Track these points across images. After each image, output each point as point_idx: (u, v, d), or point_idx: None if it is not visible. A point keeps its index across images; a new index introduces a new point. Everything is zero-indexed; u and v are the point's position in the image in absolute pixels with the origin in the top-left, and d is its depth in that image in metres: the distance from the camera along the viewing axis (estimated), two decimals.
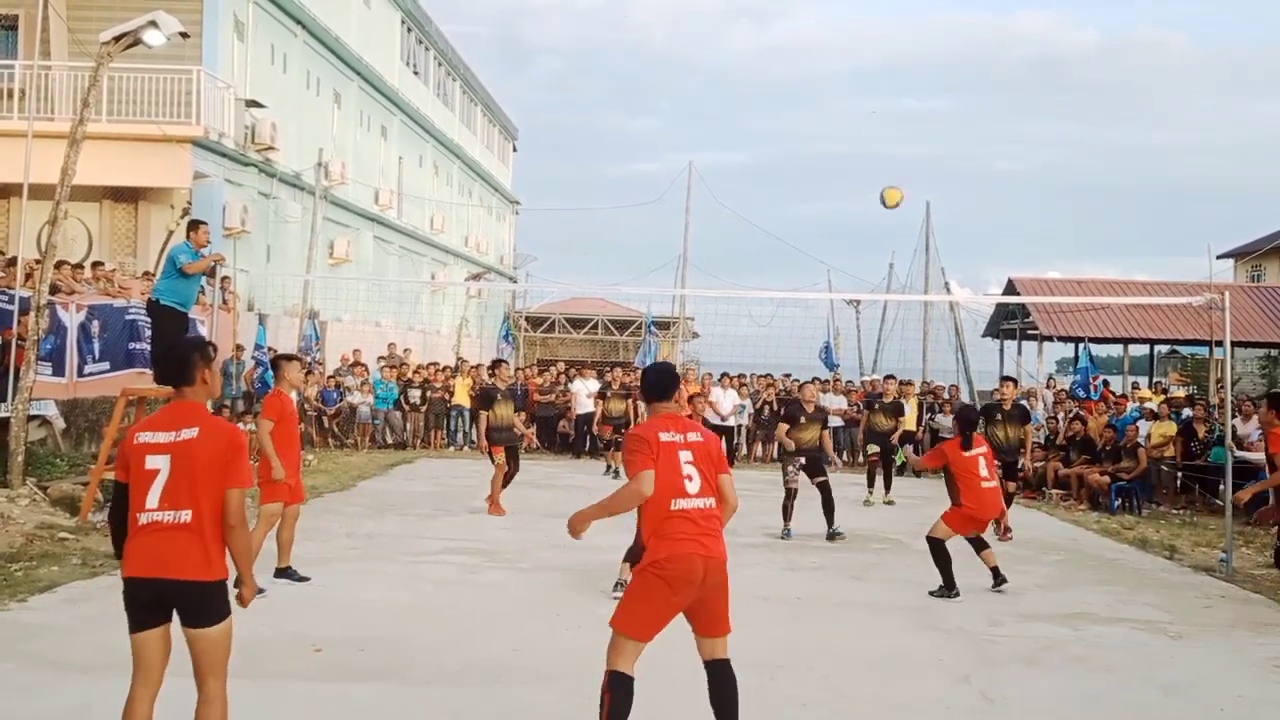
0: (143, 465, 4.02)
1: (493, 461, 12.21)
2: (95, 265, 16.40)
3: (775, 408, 19.93)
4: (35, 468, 11.26)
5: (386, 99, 29.43)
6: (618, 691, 4.47)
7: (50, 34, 17.67)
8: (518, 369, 22.86)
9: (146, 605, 3.98)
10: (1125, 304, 23.83)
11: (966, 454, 8.68)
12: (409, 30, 31.87)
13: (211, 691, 4.01)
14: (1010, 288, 26.06)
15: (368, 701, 5.52)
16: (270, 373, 18.03)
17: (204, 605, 3.97)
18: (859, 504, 13.96)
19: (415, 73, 32.64)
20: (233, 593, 4.13)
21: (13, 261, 13.07)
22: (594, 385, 19.05)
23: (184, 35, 11.59)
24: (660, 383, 4.92)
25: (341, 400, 19.13)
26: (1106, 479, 14.58)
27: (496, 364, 13.24)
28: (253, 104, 20.89)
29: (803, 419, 11.29)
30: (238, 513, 4.03)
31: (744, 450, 19.67)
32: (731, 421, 19.04)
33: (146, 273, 17.63)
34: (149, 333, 12.23)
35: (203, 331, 16.01)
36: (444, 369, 21.15)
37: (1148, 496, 14.74)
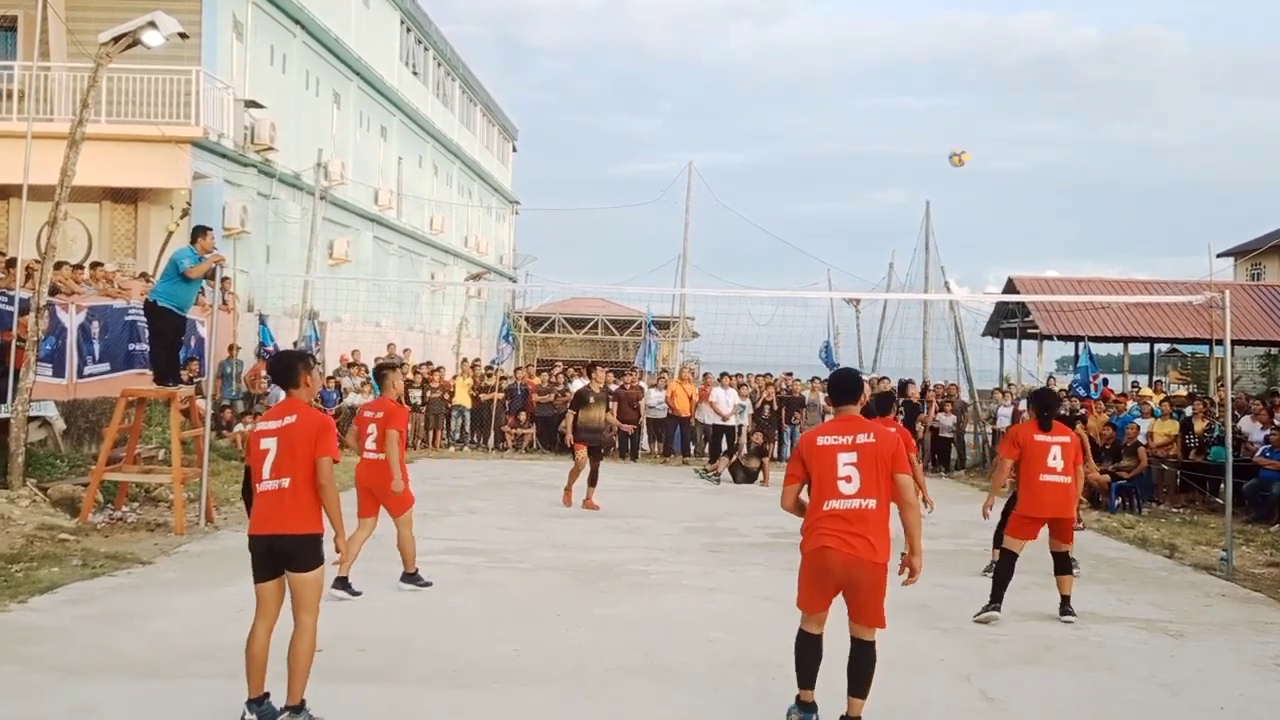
0: (258, 447, 5.09)
1: (573, 457, 12.88)
2: (95, 266, 16.40)
3: (775, 407, 19.94)
4: (35, 469, 11.25)
5: (386, 99, 29.44)
6: (799, 645, 5.23)
7: (49, 35, 17.64)
8: (516, 369, 22.86)
9: (263, 556, 5.01)
10: (1125, 303, 23.81)
11: (1038, 438, 7.73)
12: (408, 30, 31.87)
13: (303, 623, 5.00)
14: (1010, 287, 26.02)
15: (368, 702, 5.52)
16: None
17: (300, 553, 4.98)
18: None
19: (414, 73, 32.64)
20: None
21: (12, 262, 13.06)
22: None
23: (183, 36, 11.59)
24: (842, 388, 5.37)
25: (341, 401, 19.10)
26: (1106, 478, 14.56)
27: (593, 368, 13.84)
28: (252, 104, 20.89)
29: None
30: (326, 474, 5.04)
31: (744, 450, 19.67)
32: (732, 421, 19.03)
33: (145, 274, 17.63)
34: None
35: (202, 333, 16.03)
36: (437, 369, 21.12)
37: (1148, 495, 14.74)
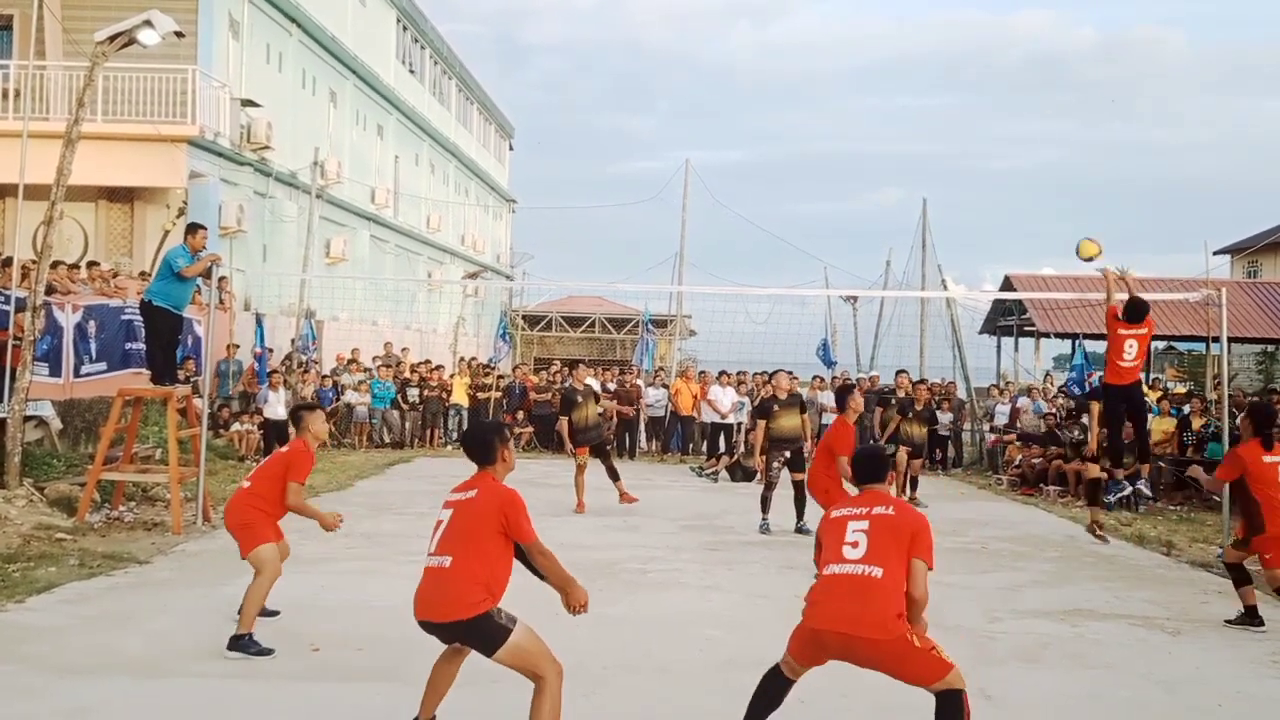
0: (439, 517, 4.67)
1: (577, 462, 12.55)
2: (91, 265, 16.37)
3: None
4: (32, 468, 11.24)
5: (382, 98, 29.42)
6: (764, 679, 4.73)
7: (45, 34, 17.64)
8: (514, 367, 22.85)
9: (436, 637, 4.69)
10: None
11: (1267, 459, 7.38)
12: (404, 29, 31.84)
13: (538, 685, 4.54)
14: (1007, 285, 26.04)
15: (367, 701, 5.52)
16: (265, 370, 18.07)
17: (475, 638, 4.54)
18: None
19: (411, 71, 32.62)
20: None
21: (8, 262, 13.05)
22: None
23: (179, 34, 11.56)
24: (866, 468, 4.90)
25: (338, 399, 19.11)
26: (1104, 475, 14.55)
27: (574, 366, 13.53)
28: (248, 103, 20.88)
29: (776, 407, 11.32)
30: (542, 550, 4.63)
31: (742, 448, 19.69)
32: (731, 419, 19.08)
33: (143, 273, 17.62)
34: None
35: (198, 331, 16.01)
36: (436, 367, 21.14)
37: None
